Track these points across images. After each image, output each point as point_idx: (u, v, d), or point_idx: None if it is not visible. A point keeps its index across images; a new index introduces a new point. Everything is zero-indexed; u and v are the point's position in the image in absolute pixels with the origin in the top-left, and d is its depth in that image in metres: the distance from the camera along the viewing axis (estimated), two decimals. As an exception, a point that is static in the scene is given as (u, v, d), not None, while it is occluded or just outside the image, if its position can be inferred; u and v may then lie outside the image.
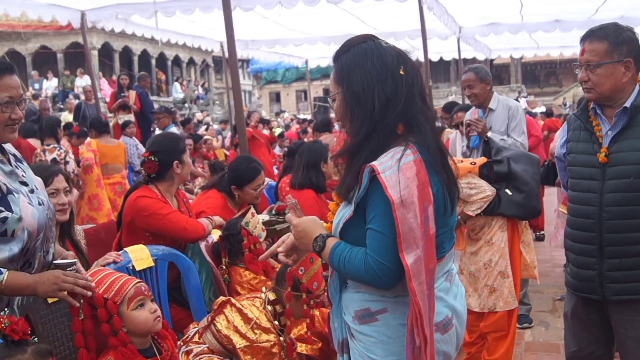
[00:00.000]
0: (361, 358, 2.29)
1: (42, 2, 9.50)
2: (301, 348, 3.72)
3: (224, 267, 4.02)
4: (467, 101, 5.96)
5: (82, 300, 2.69)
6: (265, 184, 4.92)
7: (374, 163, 2.13)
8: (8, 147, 2.75)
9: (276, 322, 3.39)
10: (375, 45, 2.26)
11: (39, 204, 2.69)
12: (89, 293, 2.62)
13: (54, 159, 8.02)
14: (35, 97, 18.49)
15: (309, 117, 25.09)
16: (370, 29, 12.53)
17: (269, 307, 3.41)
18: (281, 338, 3.36)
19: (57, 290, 2.55)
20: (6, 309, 2.60)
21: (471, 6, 11.23)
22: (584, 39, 3.09)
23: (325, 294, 4.38)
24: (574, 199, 3.26)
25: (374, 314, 2.25)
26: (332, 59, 2.34)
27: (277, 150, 14.10)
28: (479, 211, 4.33)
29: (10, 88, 2.56)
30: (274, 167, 11.53)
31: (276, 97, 47.63)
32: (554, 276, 7.11)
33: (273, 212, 4.73)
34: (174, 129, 10.38)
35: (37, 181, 2.85)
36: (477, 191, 4.33)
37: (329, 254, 2.25)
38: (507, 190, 4.38)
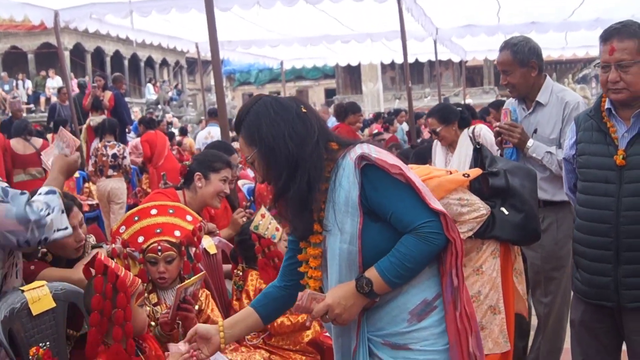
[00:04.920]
0: (430, 357, 2.22)
1: (15, 1, 9.26)
2: (299, 361, 3.62)
3: (240, 272, 3.81)
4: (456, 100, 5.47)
5: (107, 280, 2.57)
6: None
7: (358, 152, 2.20)
8: None
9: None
10: (270, 98, 2.34)
11: None
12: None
13: (114, 154, 9.00)
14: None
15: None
16: (348, 30, 12.52)
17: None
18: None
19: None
20: (47, 343, 2.47)
21: (449, 7, 11.23)
22: (609, 38, 2.93)
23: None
24: (587, 203, 3.13)
25: (431, 303, 2.25)
26: (234, 128, 2.41)
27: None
28: (470, 233, 3.48)
29: None
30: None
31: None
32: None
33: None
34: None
35: None
36: (470, 209, 3.49)
37: (381, 279, 2.19)
38: (503, 209, 3.56)
